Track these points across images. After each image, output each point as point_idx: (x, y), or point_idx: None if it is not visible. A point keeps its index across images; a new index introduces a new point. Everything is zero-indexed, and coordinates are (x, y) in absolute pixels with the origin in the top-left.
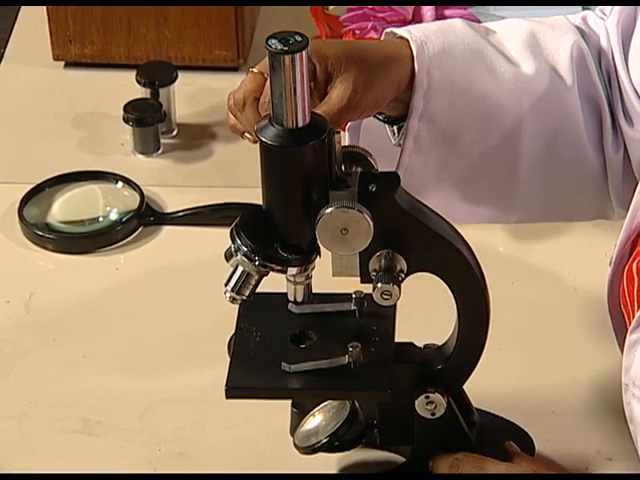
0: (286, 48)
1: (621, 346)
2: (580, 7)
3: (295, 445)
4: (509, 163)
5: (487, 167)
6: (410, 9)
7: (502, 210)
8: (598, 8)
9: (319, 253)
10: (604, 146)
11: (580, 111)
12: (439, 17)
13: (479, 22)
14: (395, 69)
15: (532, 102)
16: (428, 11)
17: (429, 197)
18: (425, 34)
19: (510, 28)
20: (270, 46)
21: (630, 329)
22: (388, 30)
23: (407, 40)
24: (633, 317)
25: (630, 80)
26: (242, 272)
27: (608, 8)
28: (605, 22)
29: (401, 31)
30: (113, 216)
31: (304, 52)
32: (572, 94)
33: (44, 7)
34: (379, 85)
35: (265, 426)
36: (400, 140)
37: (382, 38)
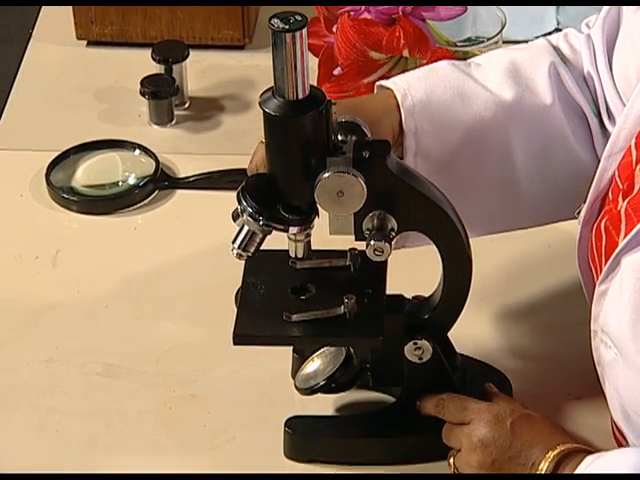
0: (287, 27)
1: (590, 297)
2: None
3: (295, 387)
4: (507, 178)
5: (487, 185)
6: None
7: (509, 219)
8: (584, 21)
9: (317, 214)
10: (595, 149)
11: (565, 122)
12: None
13: (465, 6)
14: (387, 120)
15: (516, 124)
16: None
17: None
18: (409, 82)
19: (493, 59)
20: (272, 25)
21: (598, 281)
22: (378, 84)
23: (392, 90)
24: (601, 271)
25: (613, 81)
26: (248, 231)
27: (594, 19)
28: (590, 31)
29: (388, 83)
30: (131, 181)
31: (303, 30)
32: (553, 109)
33: None
34: (376, 135)
35: (269, 370)
36: None
37: (375, 92)
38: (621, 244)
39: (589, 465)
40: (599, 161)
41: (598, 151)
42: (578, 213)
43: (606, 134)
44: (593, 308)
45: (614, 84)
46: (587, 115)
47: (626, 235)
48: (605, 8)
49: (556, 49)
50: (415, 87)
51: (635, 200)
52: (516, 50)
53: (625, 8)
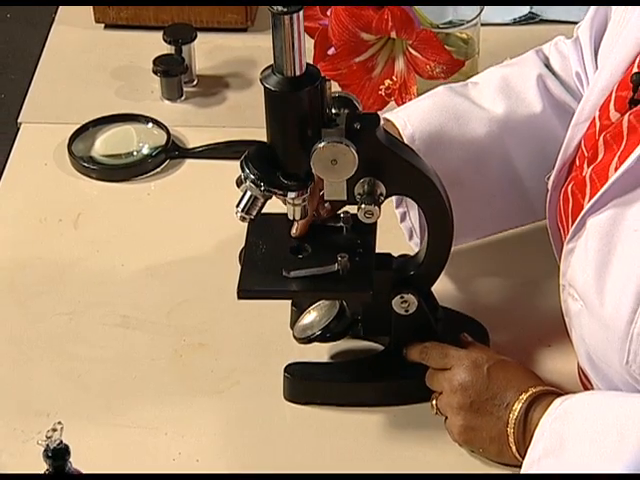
0: (285, 9)
1: (558, 255)
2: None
3: (294, 336)
4: (511, 180)
5: (492, 190)
6: None
7: (520, 214)
8: (576, 27)
9: (314, 180)
10: None
11: (557, 124)
12: None
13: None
14: None
15: (511, 134)
16: None
17: (460, 227)
18: (408, 114)
19: (487, 77)
20: (272, 8)
21: (566, 240)
22: (383, 116)
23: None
24: (568, 231)
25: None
26: (250, 196)
27: (584, 23)
28: (578, 31)
29: (390, 115)
30: (145, 151)
31: (300, 13)
32: (544, 115)
33: None
34: None
35: (270, 321)
36: None
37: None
38: (586, 207)
39: (558, 407)
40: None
41: None
42: (548, 178)
43: None
44: (562, 265)
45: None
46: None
47: (591, 198)
48: (593, 7)
49: (546, 59)
50: (414, 116)
51: (598, 167)
52: (507, 67)
53: (614, 7)
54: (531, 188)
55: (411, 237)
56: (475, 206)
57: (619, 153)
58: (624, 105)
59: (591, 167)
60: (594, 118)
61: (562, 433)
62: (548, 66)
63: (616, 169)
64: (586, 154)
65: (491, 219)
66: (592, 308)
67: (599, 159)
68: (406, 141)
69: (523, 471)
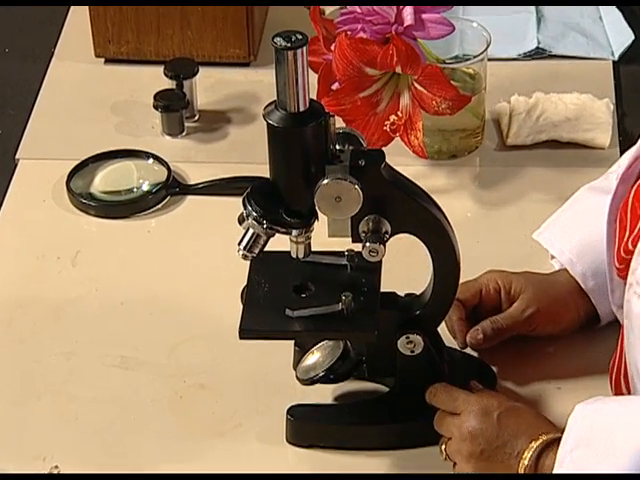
0: (289, 45)
1: (610, 254)
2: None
3: (297, 377)
4: None
5: None
6: (393, 13)
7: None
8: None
9: (317, 217)
10: None
11: None
12: (417, 19)
13: (452, 26)
14: (574, 304)
15: None
16: (408, 15)
17: None
18: (571, 243)
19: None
20: (275, 43)
21: None
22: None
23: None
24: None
25: None
26: (252, 234)
27: None
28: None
29: (555, 252)
30: (145, 187)
31: (304, 48)
32: None
33: (87, 13)
34: (563, 316)
35: (272, 362)
36: None
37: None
38: None
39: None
40: None
41: None
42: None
43: None
44: (633, 260)
45: None
46: None
47: None
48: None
49: None
50: (581, 250)
51: None
52: None
53: None
54: None
55: None
56: None
57: None
58: None
59: None
60: None
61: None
62: None
63: None
64: None
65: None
66: None
67: None
68: (595, 303)
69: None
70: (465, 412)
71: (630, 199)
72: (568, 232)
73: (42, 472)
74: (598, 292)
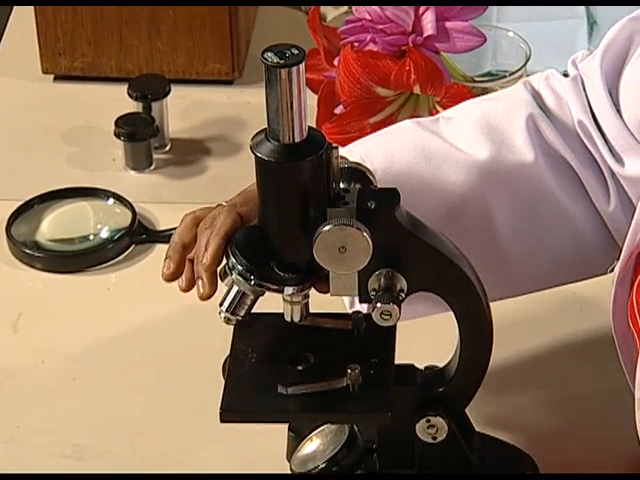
0: (282, 61)
1: (627, 364)
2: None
3: (292, 470)
4: (491, 244)
5: (467, 252)
6: (410, 21)
7: (499, 290)
8: (571, 59)
9: (317, 272)
10: (595, 203)
11: (552, 180)
12: (440, 29)
13: (483, 37)
14: None
15: (494, 187)
16: (429, 23)
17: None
18: (366, 148)
19: (464, 113)
20: (266, 59)
21: None
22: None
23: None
24: None
25: (617, 117)
26: (237, 291)
27: (581, 55)
28: (579, 72)
29: (343, 151)
30: (104, 234)
31: (301, 65)
32: (536, 167)
33: (33, 19)
34: None
35: (261, 451)
36: None
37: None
38: None
39: None
40: (634, 212)
41: (597, 204)
42: (611, 270)
43: (605, 184)
44: (638, 373)
45: (617, 116)
46: (576, 169)
47: None
48: (604, 43)
49: (537, 96)
50: (373, 153)
51: None
52: (490, 100)
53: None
54: (513, 257)
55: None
56: None
57: None
58: None
59: None
60: None
61: None
62: (541, 106)
63: None
64: None
65: None
66: None
67: None
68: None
69: None
70: None
71: (634, 300)
72: (378, 145)
73: None
74: None
